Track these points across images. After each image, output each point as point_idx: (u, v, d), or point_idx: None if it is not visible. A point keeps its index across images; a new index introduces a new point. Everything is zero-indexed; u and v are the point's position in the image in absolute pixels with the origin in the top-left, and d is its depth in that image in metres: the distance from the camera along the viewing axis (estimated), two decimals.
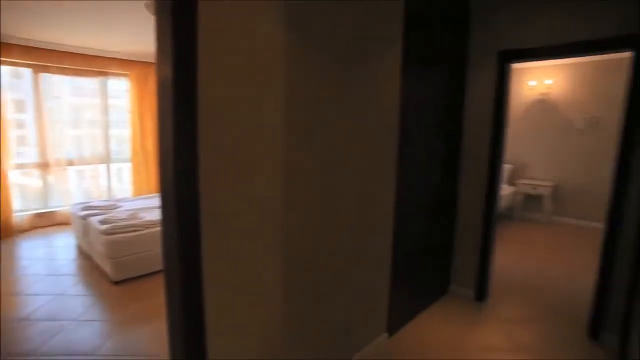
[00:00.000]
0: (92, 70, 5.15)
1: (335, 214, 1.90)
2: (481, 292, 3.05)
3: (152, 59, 5.26)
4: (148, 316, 2.71)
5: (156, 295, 3.00)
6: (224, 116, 1.32)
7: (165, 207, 1.31)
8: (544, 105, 5.67)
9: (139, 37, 4.34)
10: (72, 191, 5.31)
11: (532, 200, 5.86)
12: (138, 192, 5.68)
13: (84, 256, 3.91)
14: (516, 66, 5.28)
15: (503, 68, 2.76)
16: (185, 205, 1.25)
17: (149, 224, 3.49)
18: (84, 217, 3.80)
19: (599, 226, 4.65)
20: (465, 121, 3.00)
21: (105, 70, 5.26)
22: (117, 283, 3.24)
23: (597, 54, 2.72)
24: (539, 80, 5.63)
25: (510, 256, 4.14)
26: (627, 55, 2.37)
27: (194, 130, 1.23)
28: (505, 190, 5.53)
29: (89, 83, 5.29)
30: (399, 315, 2.58)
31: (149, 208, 4.14)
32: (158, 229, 3.36)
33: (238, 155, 1.39)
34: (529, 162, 5.95)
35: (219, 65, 1.28)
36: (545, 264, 3.97)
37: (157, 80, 1.25)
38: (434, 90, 2.62)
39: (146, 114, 5.64)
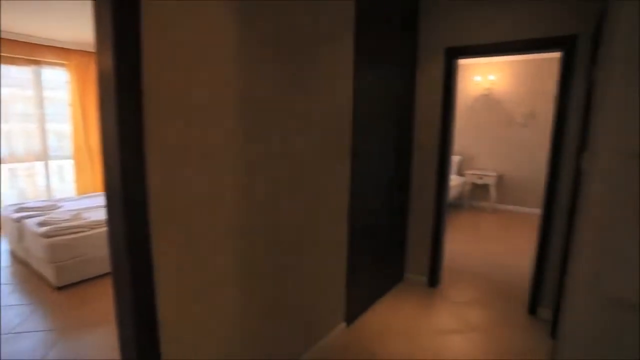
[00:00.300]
0: (22, 58, 4.69)
1: (290, 206, 1.90)
2: (433, 279, 3.21)
3: (92, 47, 4.90)
4: (96, 322, 2.55)
5: (104, 299, 2.84)
6: (172, 109, 1.27)
7: (111, 205, 1.24)
8: (488, 100, 6.02)
9: (78, 23, 4.02)
10: (2, 192, 4.84)
11: (479, 190, 6.24)
12: (82, 191, 5.30)
13: (20, 262, 3.60)
14: (463, 62, 5.55)
15: (450, 63, 2.89)
16: (133, 203, 1.19)
17: (94, 225, 3.28)
18: (18, 220, 3.49)
19: (537, 212, 5.05)
20: (416, 114, 3.11)
21: (38, 59, 4.82)
22: (59, 289, 3.02)
23: (533, 53, 2.93)
24: (483, 76, 5.97)
25: (460, 243, 4.39)
26: (558, 55, 2.58)
27: (139, 124, 1.17)
28: (455, 180, 5.82)
29: (19, 72, 4.82)
30: (357, 305, 2.65)
31: (95, 207, 3.89)
32: (104, 229, 3.17)
33: (188, 149, 1.34)
34: (475, 154, 6.31)
35: (165, 56, 1.22)
36: (491, 248, 4.26)
37: (97, 71, 1.17)
38: (386, 84, 2.68)
39: (89, 107, 5.25)
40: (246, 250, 1.65)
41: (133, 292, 1.23)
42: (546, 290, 2.70)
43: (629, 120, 0.75)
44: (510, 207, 6.08)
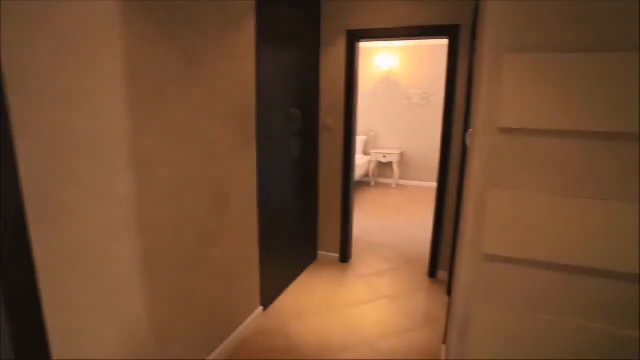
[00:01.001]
0: None
1: (195, 193, 1.80)
2: (345, 254, 3.38)
3: None
4: None
5: None
6: (49, 91, 1.08)
7: None
8: (389, 83, 6.44)
9: None
10: None
11: (383, 167, 6.71)
12: None
13: None
14: (365, 47, 5.81)
15: (352, 46, 2.99)
16: (3, 204, 1.00)
17: None
18: None
19: (435, 186, 5.64)
20: (321, 96, 3.18)
21: None
22: None
23: (424, 39, 3.19)
24: (384, 60, 6.34)
25: (368, 218, 4.69)
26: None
27: (3, 109, 0.97)
28: (361, 159, 6.16)
29: None
30: (273, 288, 2.67)
31: None
32: None
33: (71, 135, 1.16)
34: (379, 134, 6.74)
35: (33, 26, 1.02)
36: (397, 221, 4.64)
37: None
38: (290, 66, 2.67)
39: None
40: (149, 244, 1.53)
41: (10, 315, 1.04)
42: (443, 255, 3.05)
43: (494, 101, 0.88)
44: (412, 183, 6.67)
